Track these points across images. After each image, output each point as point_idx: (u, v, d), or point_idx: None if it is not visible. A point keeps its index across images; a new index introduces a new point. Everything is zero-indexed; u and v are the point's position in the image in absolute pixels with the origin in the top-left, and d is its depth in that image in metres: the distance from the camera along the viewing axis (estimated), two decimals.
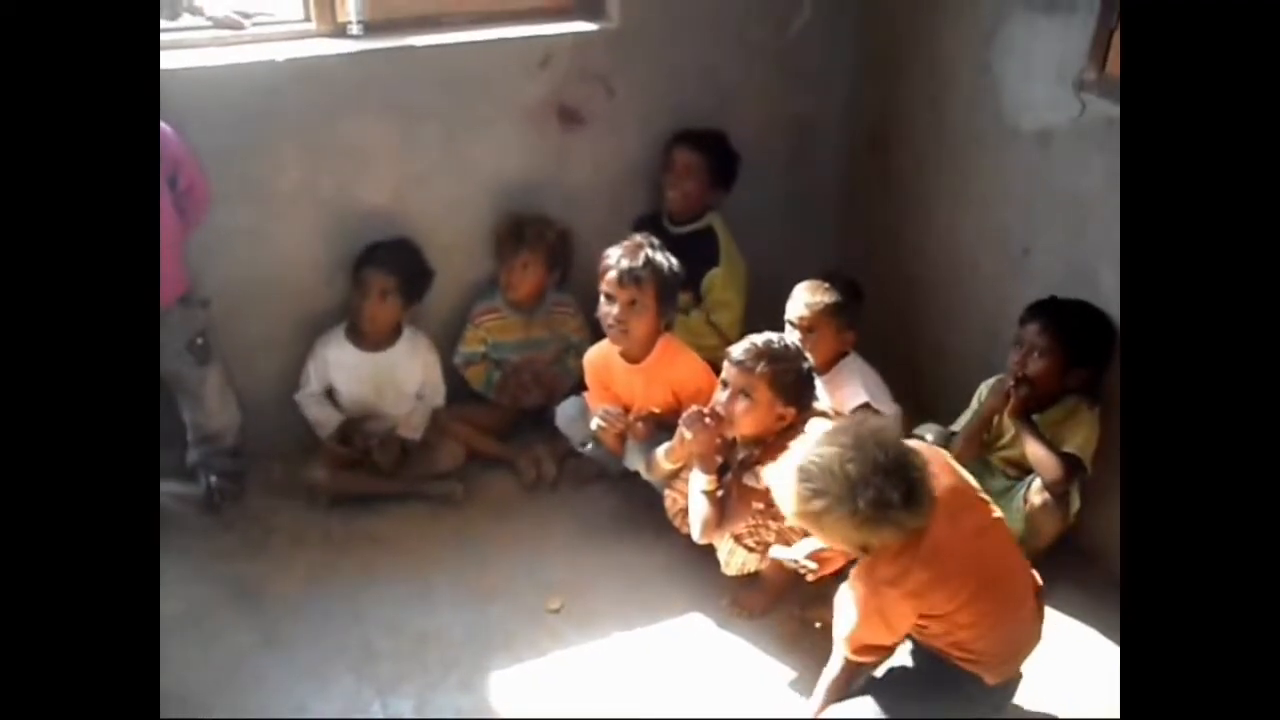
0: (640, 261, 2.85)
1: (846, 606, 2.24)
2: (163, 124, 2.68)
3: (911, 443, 2.21)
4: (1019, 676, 2.36)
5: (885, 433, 2.13)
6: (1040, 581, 2.39)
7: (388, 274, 3.10)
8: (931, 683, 2.30)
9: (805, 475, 2.07)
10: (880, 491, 2.01)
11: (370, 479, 3.21)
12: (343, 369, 3.21)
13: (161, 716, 1.58)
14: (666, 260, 2.90)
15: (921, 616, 2.19)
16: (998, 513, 2.32)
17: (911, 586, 2.12)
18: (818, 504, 2.05)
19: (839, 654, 2.31)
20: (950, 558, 2.13)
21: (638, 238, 2.94)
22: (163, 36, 2.80)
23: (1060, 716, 2.55)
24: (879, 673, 2.38)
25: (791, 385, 2.57)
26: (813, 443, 2.14)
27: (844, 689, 2.34)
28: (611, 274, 2.87)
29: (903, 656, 2.38)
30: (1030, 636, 2.34)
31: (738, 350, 2.60)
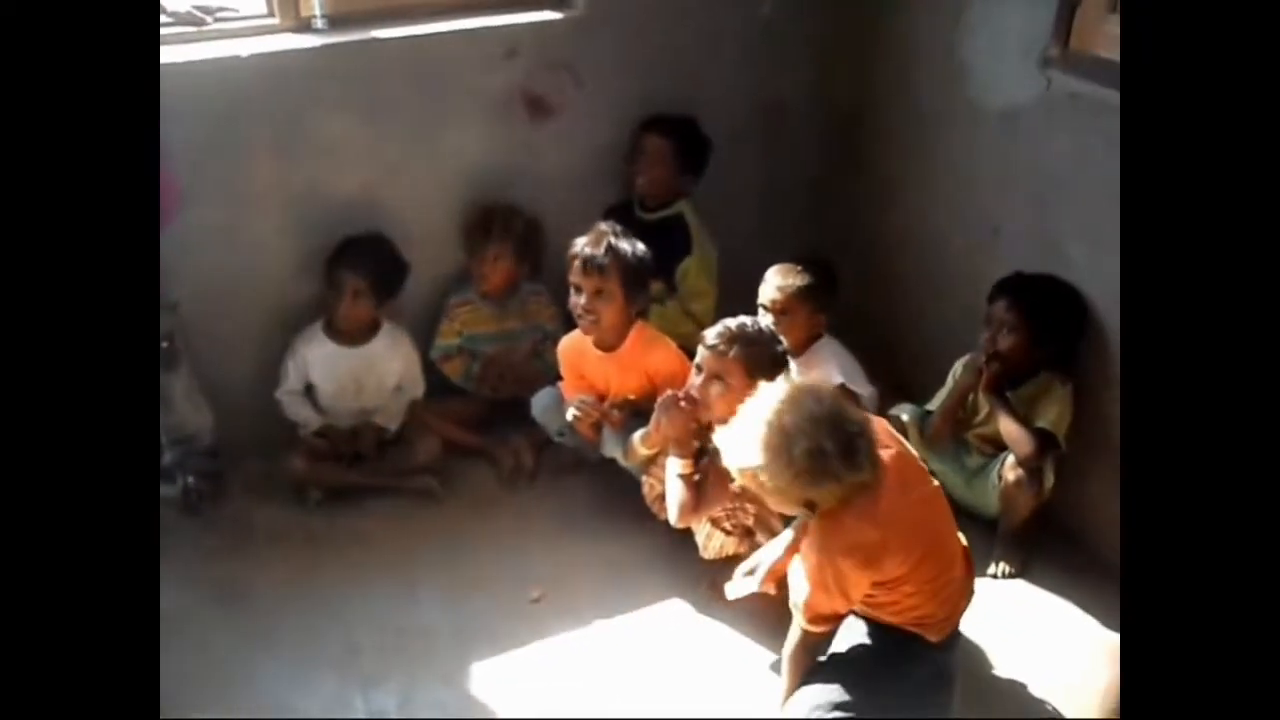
0: (603, 249, 2.85)
1: (800, 577, 2.25)
2: None
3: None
4: (958, 631, 2.40)
5: (821, 389, 2.17)
6: (967, 546, 2.43)
7: (359, 274, 3.09)
8: (881, 649, 2.33)
9: (744, 431, 2.12)
10: (815, 441, 2.03)
11: (347, 470, 3.21)
12: (322, 364, 3.20)
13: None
14: (631, 247, 2.89)
15: (872, 585, 2.21)
16: (935, 483, 2.37)
17: (866, 555, 2.14)
18: (755, 458, 2.08)
19: (797, 624, 2.32)
20: (902, 523, 2.16)
21: (602, 226, 2.93)
22: None
23: (1059, 715, 2.56)
24: (833, 649, 2.40)
25: (765, 367, 2.56)
26: (753, 402, 2.18)
27: (806, 660, 2.36)
28: (576, 263, 2.87)
29: (845, 632, 2.40)
30: (964, 596, 2.38)
31: (711, 334, 2.60)
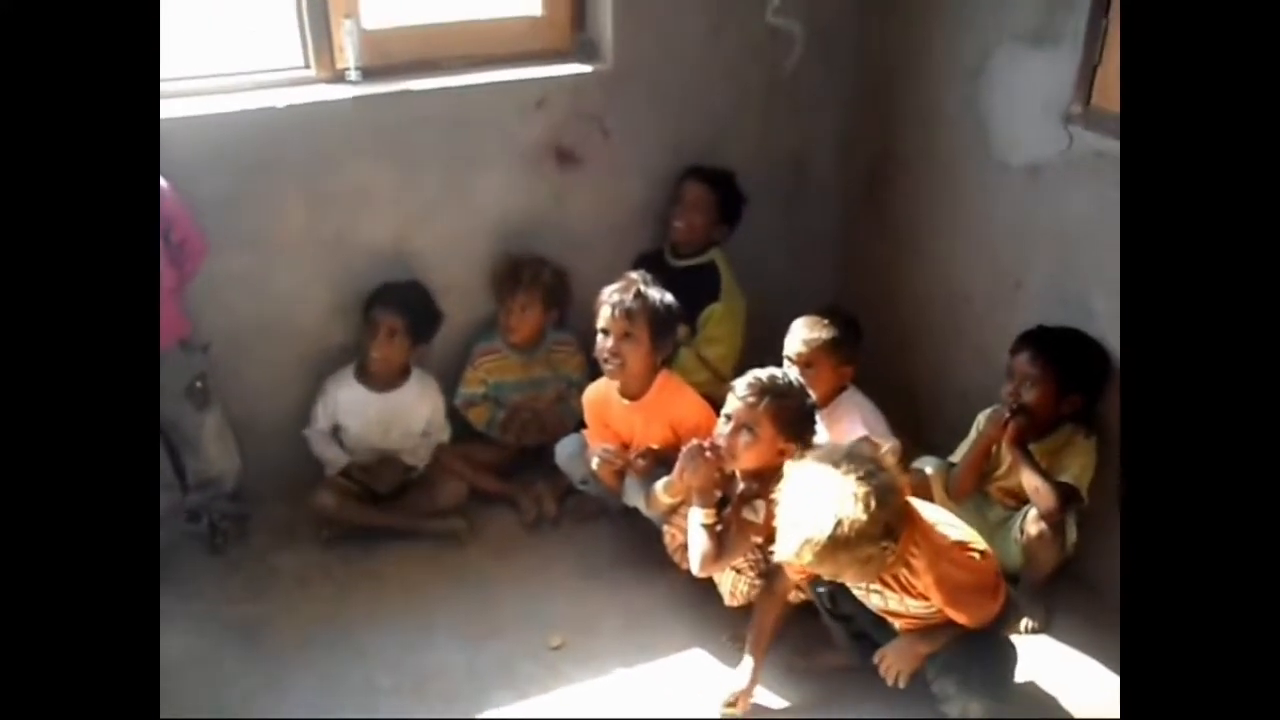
0: (632, 295, 2.88)
1: (955, 598, 2.35)
2: None
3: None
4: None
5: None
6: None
7: (396, 314, 3.14)
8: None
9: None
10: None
11: (374, 511, 3.23)
12: (351, 408, 3.24)
13: None
14: (660, 295, 2.92)
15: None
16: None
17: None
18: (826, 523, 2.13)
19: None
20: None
21: (632, 274, 2.97)
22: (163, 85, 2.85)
23: None
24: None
25: (794, 421, 2.58)
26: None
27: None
28: (605, 308, 2.91)
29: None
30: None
31: (741, 385, 2.62)
